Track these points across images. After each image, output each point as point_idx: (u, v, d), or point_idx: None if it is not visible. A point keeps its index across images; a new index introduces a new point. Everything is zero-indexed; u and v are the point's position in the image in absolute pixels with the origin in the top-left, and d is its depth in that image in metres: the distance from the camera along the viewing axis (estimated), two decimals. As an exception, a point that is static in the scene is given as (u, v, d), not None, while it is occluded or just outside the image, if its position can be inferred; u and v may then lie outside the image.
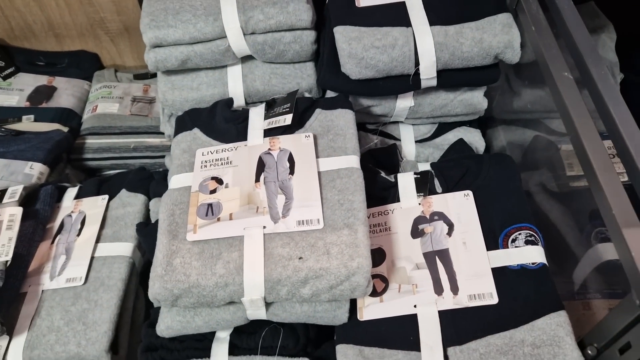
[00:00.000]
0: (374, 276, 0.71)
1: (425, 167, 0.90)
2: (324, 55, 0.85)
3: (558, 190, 0.82)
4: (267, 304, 0.67)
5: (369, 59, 0.79)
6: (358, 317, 0.68)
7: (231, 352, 0.72)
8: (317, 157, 0.74)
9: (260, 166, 0.74)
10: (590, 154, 0.63)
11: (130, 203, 0.91)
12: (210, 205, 0.71)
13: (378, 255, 0.73)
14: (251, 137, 0.79)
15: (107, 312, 0.78)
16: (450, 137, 0.96)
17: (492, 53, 0.80)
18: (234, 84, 0.88)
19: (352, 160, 0.73)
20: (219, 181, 0.74)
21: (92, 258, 0.84)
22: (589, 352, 0.60)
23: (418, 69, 0.81)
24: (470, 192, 0.75)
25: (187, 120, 0.84)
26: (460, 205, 0.74)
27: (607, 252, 0.69)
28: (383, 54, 0.79)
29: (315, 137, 0.77)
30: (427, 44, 0.80)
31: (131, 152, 1.16)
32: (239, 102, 0.89)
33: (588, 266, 0.72)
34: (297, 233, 0.66)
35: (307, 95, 0.88)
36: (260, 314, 0.67)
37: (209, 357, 0.72)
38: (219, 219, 0.69)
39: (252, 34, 0.84)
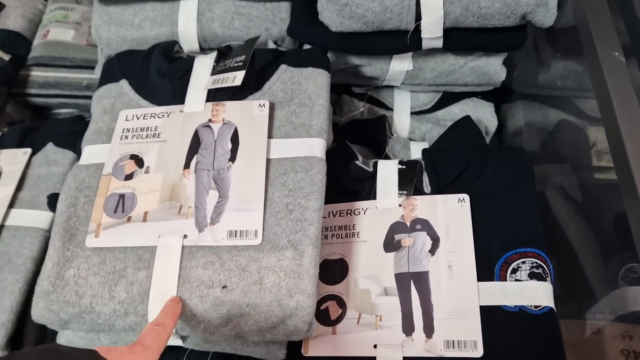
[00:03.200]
0: (329, 297, 0.55)
1: (418, 150, 0.72)
2: (299, -4, 0.65)
3: (582, 199, 0.64)
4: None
5: (355, 6, 0.60)
6: (302, 352, 0.53)
7: (148, 369, 0.58)
8: (269, 136, 0.57)
9: (195, 144, 0.57)
10: (632, 162, 0.47)
11: (56, 161, 0.75)
12: (122, 197, 0.54)
13: (339, 269, 0.57)
14: (190, 99, 0.61)
15: (9, 298, 0.64)
16: (456, 110, 0.78)
17: (518, 11, 0.60)
18: (186, 24, 0.69)
19: (316, 147, 0.56)
20: (139, 162, 0.57)
21: (2, 227, 0.70)
22: None
23: (419, 25, 0.62)
24: (467, 197, 0.57)
25: (115, 67, 0.66)
26: (452, 214, 0.57)
27: (638, 300, 0.53)
28: (374, 1, 0.60)
29: (272, 106, 0.59)
30: (433, -8, 0.60)
31: (83, 90, 0.98)
32: (191, 46, 0.70)
33: (609, 311, 0.56)
34: (226, 249, 0.50)
35: (271, 46, 0.69)
36: (175, 342, 0.52)
37: (119, 373, 0.58)
38: (129, 219, 0.53)
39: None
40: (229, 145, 0.56)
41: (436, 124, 0.76)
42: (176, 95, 0.61)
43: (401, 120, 0.76)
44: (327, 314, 0.54)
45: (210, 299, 0.47)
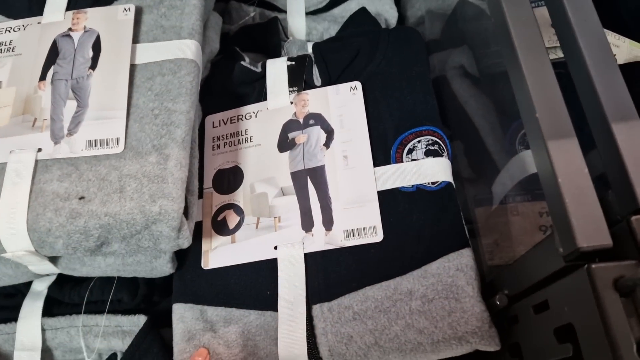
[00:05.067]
0: (225, 207, 0.52)
1: (315, 48, 0.68)
2: None
3: (480, 75, 0.62)
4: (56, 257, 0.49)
5: None
6: (202, 265, 0.50)
7: (49, 311, 0.55)
8: (136, 42, 0.52)
9: (52, 55, 0.52)
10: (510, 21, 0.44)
11: None
12: None
13: (234, 177, 0.54)
14: (49, 8, 0.55)
15: None
16: (353, 5, 0.73)
17: None
18: None
19: (186, 48, 0.51)
20: (-13, 78, 0.52)
21: None
22: (498, 301, 0.44)
23: None
24: (358, 84, 0.55)
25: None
26: (345, 103, 0.54)
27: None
28: None
29: (140, 11, 0.54)
30: None
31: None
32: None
33: (509, 179, 0.55)
34: (85, 159, 0.47)
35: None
36: (47, 268, 0.49)
37: (16, 320, 0.55)
38: None
39: None
40: (90, 53, 0.52)
41: (333, 22, 0.72)
42: (34, 6, 0.55)
43: (296, 22, 0.72)
44: (224, 223, 0.51)
45: (66, 211, 0.44)
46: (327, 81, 0.56)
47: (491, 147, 0.59)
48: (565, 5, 0.42)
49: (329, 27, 0.72)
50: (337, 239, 0.48)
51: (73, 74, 0.50)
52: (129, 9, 0.53)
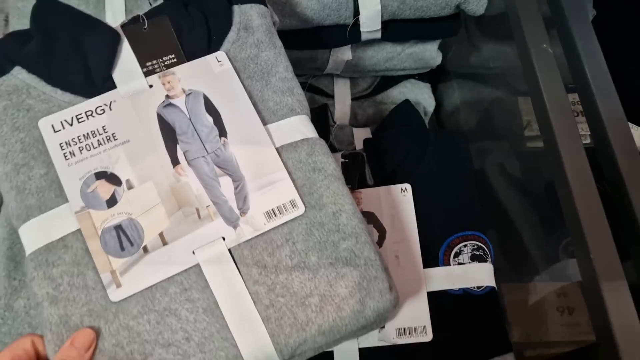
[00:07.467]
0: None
1: (361, 136, 0.74)
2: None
3: (521, 176, 0.68)
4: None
5: (293, 4, 0.60)
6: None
7: None
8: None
9: (168, 132, 0.45)
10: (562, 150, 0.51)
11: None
12: (119, 228, 0.42)
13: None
14: (121, 76, 0.46)
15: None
16: (395, 93, 0.80)
17: (453, 2, 0.62)
18: None
19: (302, 125, 0.50)
20: (113, 179, 0.44)
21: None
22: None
23: (358, 19, 0.62)
24: (409, 186, 0.60)
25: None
26: (396, 204, 0.60)
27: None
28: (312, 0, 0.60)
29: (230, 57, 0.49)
30: (369, -13, 0.60)
31: None
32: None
33: (548, 285, 0.60)
34: (273, 232, 0.43)
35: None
36: None
37: None
38: (145, 249, 0.42)
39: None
40: (210, 119, 0.46)
41: (376, 108, 0.78)
42: (101, 76, 0.46)
43: (342, 108, 0.78)
44: None
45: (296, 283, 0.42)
46: (379, 180, 0.61)
47: (528, 244, 0.65)
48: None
49: (372, 113, 0.78)
50: (389, 336, 0.53)
51: (207, 149, 0.45)
52: (218, 57, 0.48)
